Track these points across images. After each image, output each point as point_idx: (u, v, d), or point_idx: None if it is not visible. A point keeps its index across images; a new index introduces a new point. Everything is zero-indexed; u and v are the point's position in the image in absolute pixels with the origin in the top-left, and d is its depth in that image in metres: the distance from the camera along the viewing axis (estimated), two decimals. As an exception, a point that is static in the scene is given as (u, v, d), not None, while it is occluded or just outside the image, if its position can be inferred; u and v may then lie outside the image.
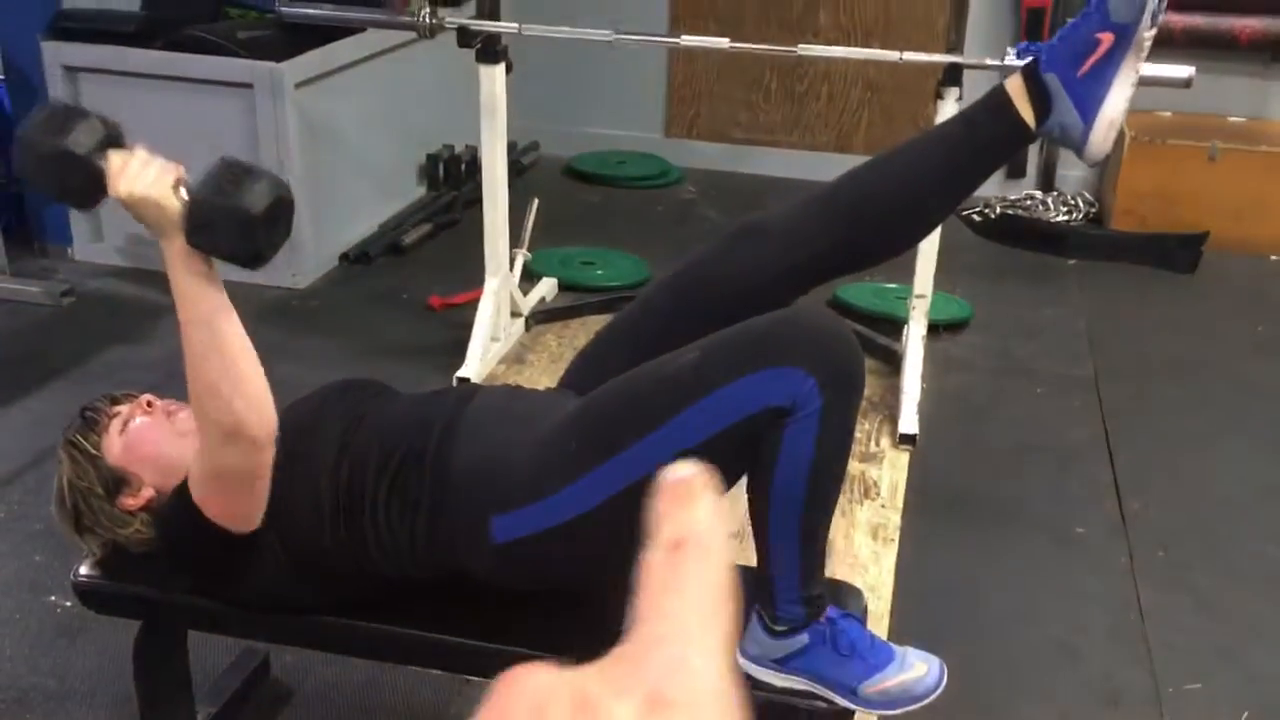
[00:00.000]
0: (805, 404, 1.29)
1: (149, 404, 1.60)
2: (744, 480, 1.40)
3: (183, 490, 1.48)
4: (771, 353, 1.31)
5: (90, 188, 1.36)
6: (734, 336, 1.36)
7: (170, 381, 3.01)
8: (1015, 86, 1.49)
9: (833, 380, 1.30)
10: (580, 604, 1.55)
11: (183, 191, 1.33)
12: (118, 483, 1.56)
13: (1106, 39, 1.44)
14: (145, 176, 1.34)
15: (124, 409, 1.61)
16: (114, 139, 1.38)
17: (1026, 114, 1.48)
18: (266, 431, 1.38)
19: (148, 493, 1.56)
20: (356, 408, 1.56)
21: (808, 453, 1.31)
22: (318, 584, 1.52)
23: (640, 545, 1.51)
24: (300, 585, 1.52)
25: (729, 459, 1.35)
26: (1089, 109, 1.46)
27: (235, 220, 1.29)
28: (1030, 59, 1.50)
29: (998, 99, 1.50)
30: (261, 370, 1.38)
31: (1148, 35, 1.45)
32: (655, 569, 0.48)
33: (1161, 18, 1.47)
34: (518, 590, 1.51)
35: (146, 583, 1.63)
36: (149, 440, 1.57)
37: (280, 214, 1.33)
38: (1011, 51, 2.65)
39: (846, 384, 1.32)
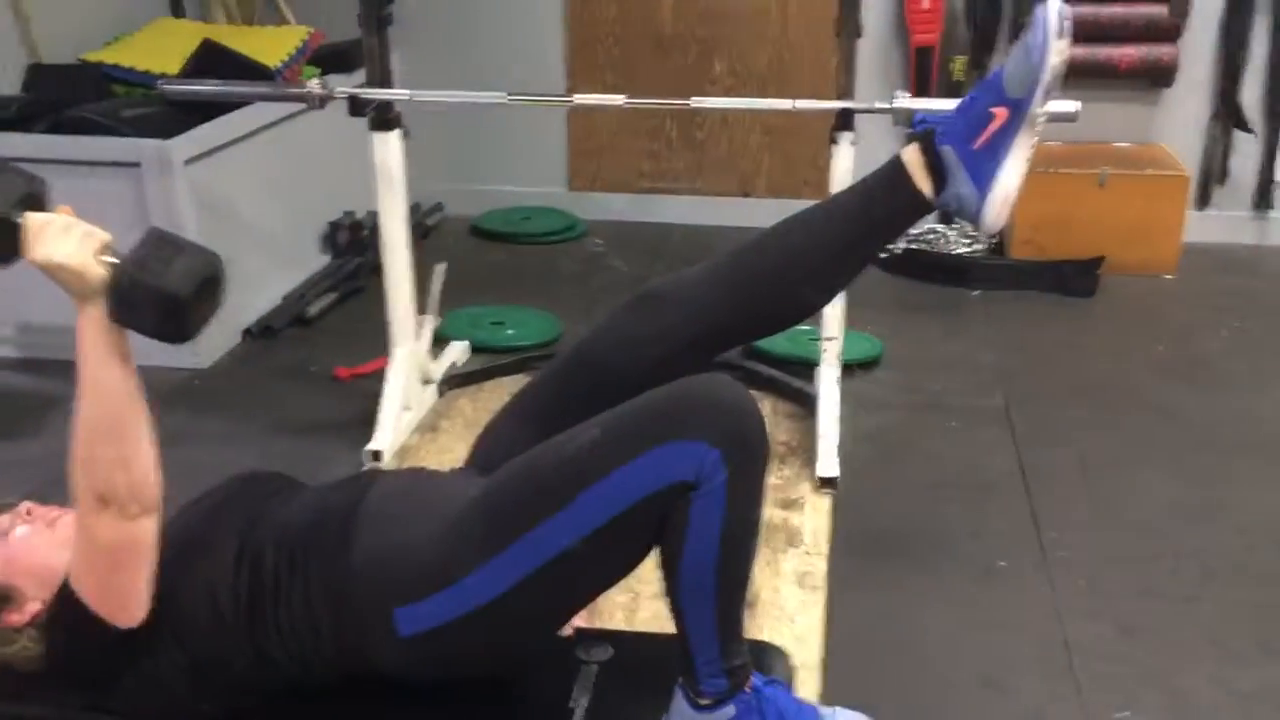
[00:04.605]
0: (710, 476, 1.27)
1: (28, 512, 1.53)
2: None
3: (64, 590, 1.41)
4: (671, 427, 1.29)
5: (5, 248, 1.28)
6: (632, 412, 1.33)
7: (55, 483, 2.90)
8: (912, 158, 1.50)
9: (736, 450, 1.28)
10: (498, 691, 1.51)
11: (108, 260, 1.25)
12: (0, 600, 1.48)
13: (1001, 113, 1.46)
14: (68, 241, 1.28)
15: (3, 519, 1.53)
16: (35, 198, 1.30)
17: (924, 185, 1.49)
18: (143, 504, 1.31)
19: (33, 607, 1.49)
20: (253, 507, 1.51)
21: (716, 525, 1.29)
22: (220, 690, 1.45)
23: (548, 628, 1.47)
24: (201, 692, 1.45)
25: (637, 535, 1.33)
26: (984, 182, 1.47)
27: (163, 301, 1.23)
28: (927, 130, 1.51)
29: (894, 171, 1.51)
30: (155, 449, 1.32)
31: (1040, 112, 1.47)
32: None
33: (1055, 95, 1.48)
34: (427, 681, 1.46)
35: (40, 702, 1.55)
36: (31, 551, 1.49)
37: (210, 292, 1.26)
38: (901, 95, 2.70)
39: (750, 452, 1.31)
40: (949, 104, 2.77)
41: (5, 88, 3.69)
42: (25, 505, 1.54)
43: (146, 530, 1.35)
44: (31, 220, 1.29)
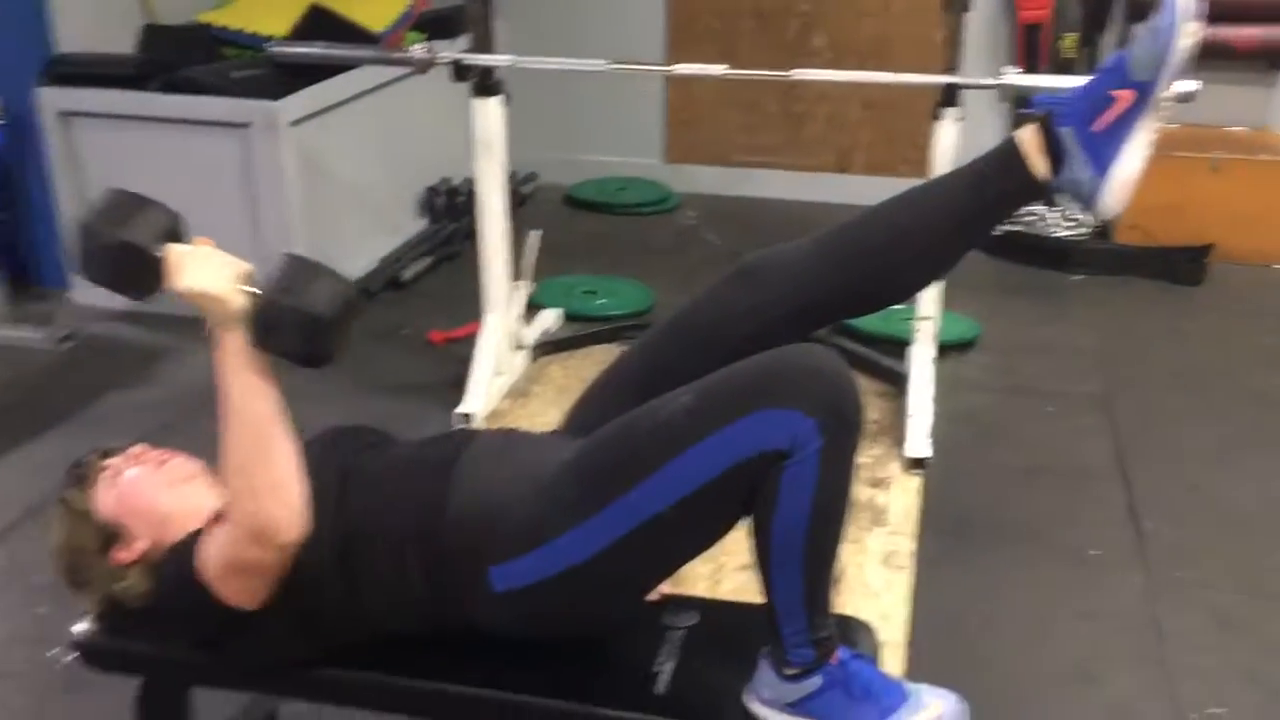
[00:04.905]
0: (804, 445, 1.26)
1: (139, 455, 1.58)
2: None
3: (183, 561, 1.46)
4: (767, 394, 1.28)
5: (148, 280, 1.32)
6: (728, 379, 1.33)
7: (169, 427, 3.02)
8: (1028, 139, 1.46)
9: (831, 419, 1.27)
10: (585, 651, 1.52)
11: (248, 288, 1.29)
12: (110, 537, 1.54)
13: (1125, 97, 1.41)
14: (209, 271, 1.32)
15: (114, 461, 1.59)
16: (175, 231, 1.35)
17: (1039, 167, 1.45)
18: (297, 537, 1.36)
19: (141, 545, 1.54)
20: (348, 460, 1.54)
21: (808, 495, 1.28)
22: (313, 637, 1.49)
23: (637, 592, 1.48)
24: (300, 642, 1.49)
25: (728, 503, 1.32)
26: (1103, 166, 1.43)
27: (305, 323, 1.25)
28: (1045, 111, 1.47)
29: (1009, 152, 1.47)
30: (304, 475, 1.36)
31: (1167, 95, 1.42)
32: None
33: (1180, 79, 1.43)
34: (522, 639, 1.48)
35: (146, 639, 1.60)
36: (140, 493, 1.55)
37: (349, 316, 1.29)
38: (1009, 71, 2.64)
39: (845, 423, 1.29)
40: (1059, 81, 2.71)
41: (122, 47, 3.80)
42: (136, 448, 1.60)
43: (288, 554, 1.39)
44: (173, 252, 1.33)
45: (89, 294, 3.81)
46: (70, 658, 1.63)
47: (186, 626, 1.51)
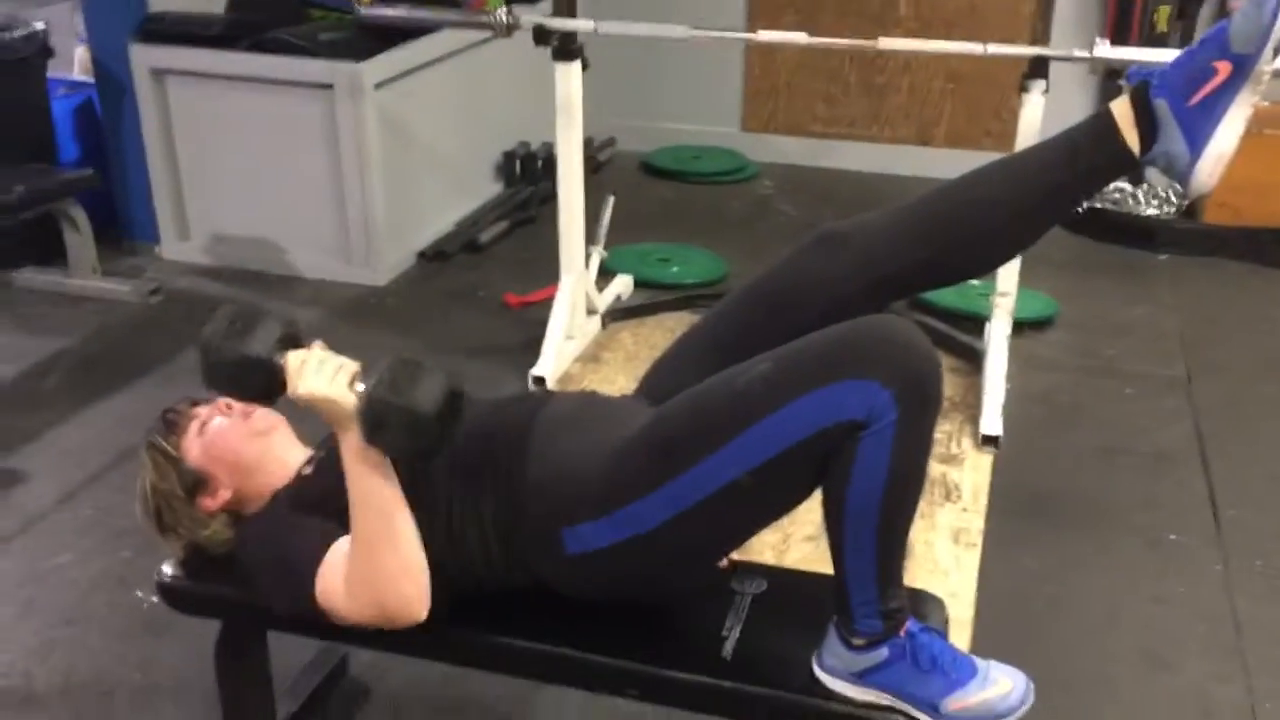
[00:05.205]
0: (881, 416, 1.25)
1: (227, 406, 1.63)
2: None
3: (274, 505, 1.52)
4: (846, 364, 1.27)
5: (270, 387, 1.42)
6: (806, 348, 1.32)
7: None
8: (1122, 111, 1.42)
9: (910, 392, 1.26)
10: (652, 614, 1.54)
11: (359, 386, 1.37)
12: (197, 484, 1.59)
13: (1224, 69, 1.37)
14: (323, 376, 1.39)
15: (203, 411, 1.63)
16: (292, 338, 1.43)
17: (1132, 141, 1.42)
18: (424, 614, 1.42)
19: (225, 494, 1.59)
20: None
21: (883, 466, 1.27)
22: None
23: (708, 559, 1.47)
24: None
25: (802, 472, 1.32)
26: (1198, 141, 1.39)
27: (410, 421, 1.33)
28: (1141, 83, 1.43)
29: (1102, 123, 1.44)
30: (424, 555, 1.42)
31: (1268, 69, 1.38)
32: None
33: None
34: (592, 600, 1.50)
35: (227, 584, 1.65)
36: (226, 442, 1.59)
37: (453, 409, 1.36)
38: (1101, 43, 2.57)
39: (924, 396, 1.28)
40: (1151, 54, 2.63)
41: (213, 7, 3.86)
42: (224, 400, 1.64)
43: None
44: (292, 360, 1.41)
45: (177, 249, 3.91)
46: (153, 599, 1.69)
47: (275, 600, 1.54)
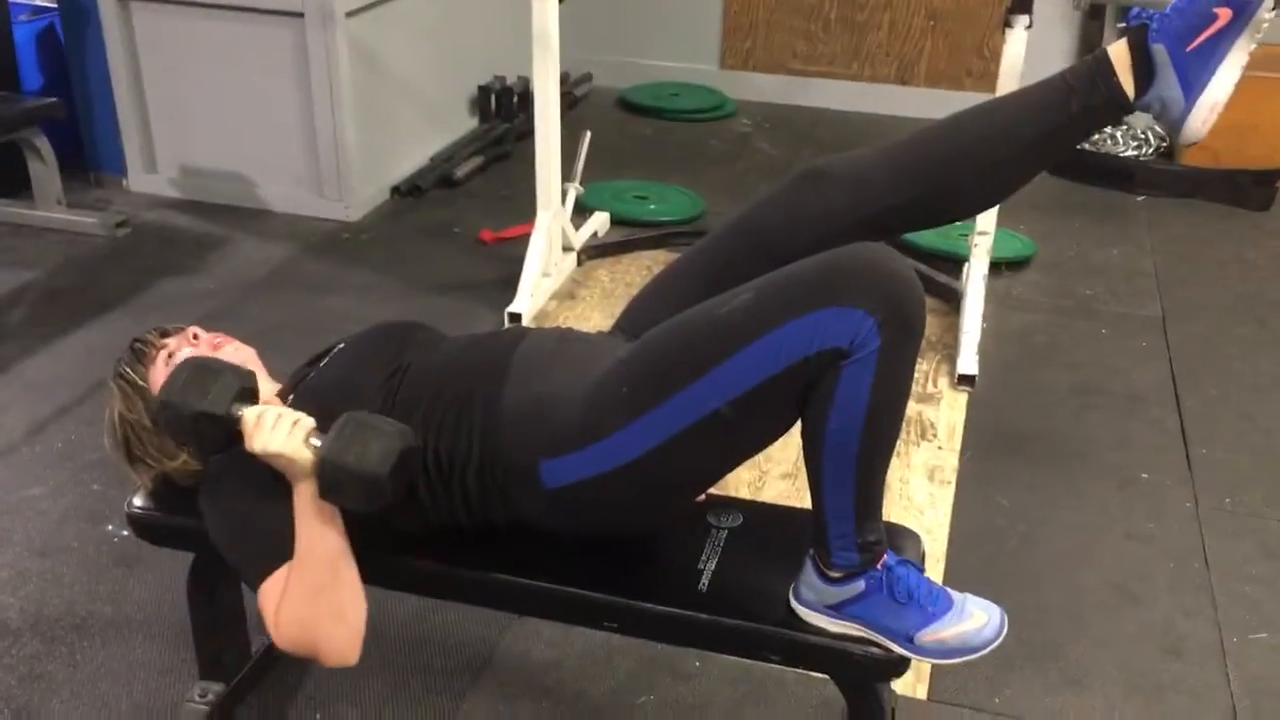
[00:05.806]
0: (864, 345, 1.24)
1: (195, 336, 1.60)
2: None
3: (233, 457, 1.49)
4: (829, 292, 1.25)
5: (228, 441, 1.46)
6: (789, 276, 1.30)
7: (222, 314, 3.05)
8: (1119, 53, 1.40)
9: (893, 320, 1.24)
10: (629, 547, 1.53)
11: (314, 441, 1.40)
12: (167, 417, 1.55)
13: (1224, 15, 1.35)
14: (279, 432, 1.40)
15: (171, 341, 1.60)
16: (250, 392, 1.47)
17: (1127, 84, 1.39)
18: (352, 658, 1.42)
19: (196, 426, 1.56)
20: (400, 356, 1.54)
21: (865, 395, 1.26)
22: (361, 531, 1.51)
23: (688, 492, 1.45)
24: (353, 531, 1.51)
25: (783, 402, 1.31)
26: (1193, 87, 1.37)
27: (363, 481, 1.36)
28: (1139, 25, 1.40)
29: (1098, 66, 1.41)
30: (365, 606, 1.43)
31: (1268, 15, 1.35)
32: None
33: None
34: (569, 535, 1.49)
35: (197, 515, 1.63)
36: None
37: (404, 466, 1.38)
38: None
39: (907, 325, 1.27)
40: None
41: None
42: (192, 329, 1.61)
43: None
44: (248, 415, 1.44)
45: (144, 181, 3.84)
46: (124, 533, 1.67)
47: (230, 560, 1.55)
